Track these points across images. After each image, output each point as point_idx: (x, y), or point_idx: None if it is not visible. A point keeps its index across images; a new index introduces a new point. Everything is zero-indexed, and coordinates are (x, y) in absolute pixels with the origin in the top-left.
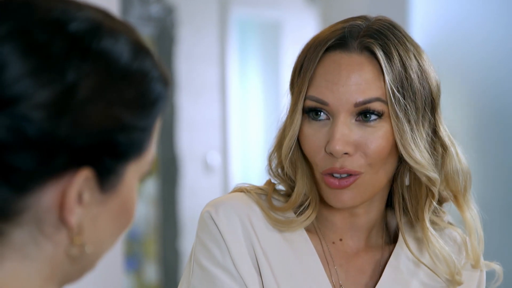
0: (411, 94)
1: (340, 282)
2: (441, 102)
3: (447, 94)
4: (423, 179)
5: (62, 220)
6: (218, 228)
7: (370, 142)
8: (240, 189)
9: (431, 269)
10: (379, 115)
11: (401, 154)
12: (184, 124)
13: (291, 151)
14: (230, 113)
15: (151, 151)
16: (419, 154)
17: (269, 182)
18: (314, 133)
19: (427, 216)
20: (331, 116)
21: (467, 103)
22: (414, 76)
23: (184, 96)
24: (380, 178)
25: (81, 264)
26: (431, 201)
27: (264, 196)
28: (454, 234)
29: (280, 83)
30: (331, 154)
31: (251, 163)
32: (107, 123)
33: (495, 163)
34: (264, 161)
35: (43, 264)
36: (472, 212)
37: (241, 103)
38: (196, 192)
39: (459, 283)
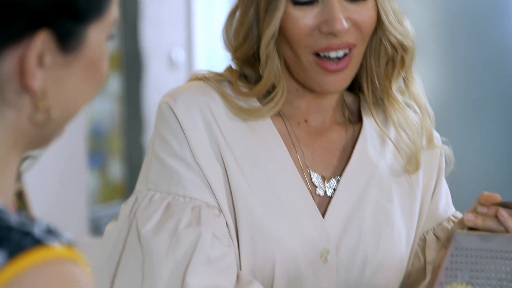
0: None
1: (307, 163)
2: (408, 3)
3: None
4: (399, 48)
5: (24, 85)
6: (177, 118)
7: (364, 15)
8: (198, 77)
9: (393, 142)
10: None
11: (386, 26)
12: (148, 20)
13: (273, 38)
14: (194, 10)
15: (113, 12)
16: (401, 25)
17: (230, 69)
18: (305, 15)
19: (394, 85)
20: None
21: (433, 4)
22: None
23: None
24: (362, 54)
25: (48, 129)
26: (399, 71)
27: (226, 82)
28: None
29: None
30: (329, 33)
31: (216, 59)
32: None
33: (463, 63)
34: (228, 58)
35: (5, 133)
36: (420, 87)
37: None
38: (161, 88)
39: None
